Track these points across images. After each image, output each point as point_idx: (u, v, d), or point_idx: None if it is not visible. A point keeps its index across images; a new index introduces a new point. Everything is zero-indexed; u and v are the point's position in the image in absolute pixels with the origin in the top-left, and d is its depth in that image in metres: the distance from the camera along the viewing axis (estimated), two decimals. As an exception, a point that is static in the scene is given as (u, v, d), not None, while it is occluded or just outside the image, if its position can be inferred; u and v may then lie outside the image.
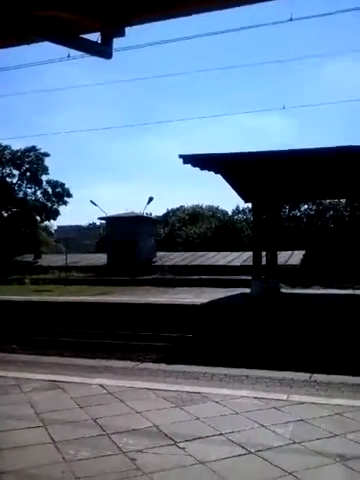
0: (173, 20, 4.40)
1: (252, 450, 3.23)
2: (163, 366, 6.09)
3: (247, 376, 5.30)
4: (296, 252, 27.16)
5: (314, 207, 39.21)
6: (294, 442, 3.39)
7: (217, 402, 4.32)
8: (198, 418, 3.89)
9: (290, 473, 2.90)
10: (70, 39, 4.60)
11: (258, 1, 4.10)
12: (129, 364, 6.33)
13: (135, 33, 4.58)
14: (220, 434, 3.54)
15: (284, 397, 4.43)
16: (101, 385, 4.89)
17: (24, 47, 4.95)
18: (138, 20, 4.39)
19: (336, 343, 10.08)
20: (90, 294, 17.55)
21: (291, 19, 8.16)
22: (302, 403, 4.27)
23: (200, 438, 3.46)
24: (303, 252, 27.05)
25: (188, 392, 4.62)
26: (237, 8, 4.20)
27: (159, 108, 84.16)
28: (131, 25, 4.43)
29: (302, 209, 40.42)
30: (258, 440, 3.41)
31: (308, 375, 5.24)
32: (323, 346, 9.95)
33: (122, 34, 4.51)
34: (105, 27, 4.40)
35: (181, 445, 3.31)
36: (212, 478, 2.88)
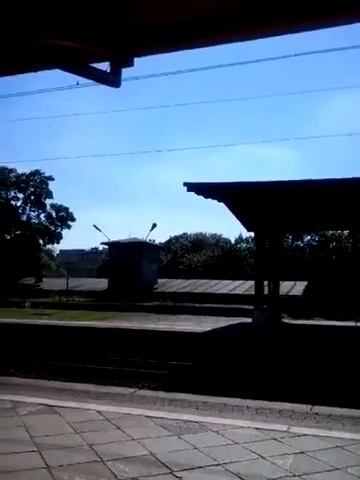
0: (182, 51, 4.53)
1: (250, 482, 3.15)
2: (162, 394, 6.00)
3: (247, 406, 5.21)
4: (299, 283, 27.07)
5: (317, 238, 39.27)
6: (294, 475, 3.30)
7: (216, 432, 4.23)
8: (196, 447, 3.81)
9: (289, 507, 2.82)
10: (79, 67, 4.70)
11: (261, 37, 4.22)
12: (127, 391, 6.24)
13: (145, 63, 4.70)
14: (218, 464, 3.46)
15: (284, 428, 4.35)
16: (98, 411, 4.81)
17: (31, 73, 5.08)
18: (147, 51, 4.50)
19: (338, 375, 9.93)
20: (89, 319, 17.44)
21: (295, 55, 8.39)
22: (303, 435, 4.18)
23: (198, 468, 3.38)
24: (306, 283, 26.95)
25: (186, 421, 4.53)
26: (242, 43, 4.33)
27: (165, 136, 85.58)
28: (140, 56, 4.55)
29: (305, 240, 40.47)
30: (257, 471, 3.33)
31: (309, 407, 5.15)
32: (324, 378, 9.80)
33: (131, 64, 4.62)
34: (114, 57, 4.51)
35: (178, 474, 3.24)
36: (209, 510, 2.79)
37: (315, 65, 72.44)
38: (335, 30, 4.04)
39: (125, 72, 4.72)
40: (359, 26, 3.88)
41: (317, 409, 5.06)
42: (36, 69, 4.94)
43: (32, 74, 5.11)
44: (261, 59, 17.39)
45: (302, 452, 3.74)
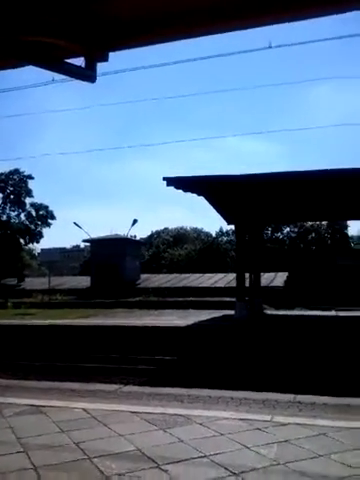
0: (159, 45, 4.52)
1: (236, 472, 3.20)
2: (147, 389, 6.03)
3: (231, 398, 5.27)
4: (279, 274, 27.37)
5: (296, 229, 39.73)
6: (278, 463, 3.36)
7: (201, 424, 4.28)
8: (182, 440, 3.85)
9: (274, 494, 2.88)
10: (54, 64, 4.66)
11: (238, 29, 4.24)
12: (112, 387, 6.25)
13: (122, 57, 4.68)
14: (204, 456, 3.50)
15: (268, 418, 4.41)
16: (84, 409, 4.81)
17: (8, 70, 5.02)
18: (122, 45, 4.49)
19: (319, 364, 10.10)
20: (73, 317, 17.33)
21: (270, 47, 8.44)
22: (286, 424, 4.26)
23: (184, 460, 3.42)
24: (286, 274, 27.27)
25: (172, 414, 4.57)
26: (219, 35, 4.34)
27: (144, 131, 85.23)
28: (115, 50, 4.53)
29: (285, 231, 40.93)
30: (242, 461, 3.38)
31: (292, 396, 5.23)
32: (307, 367, 9.96)
33: (106, 59, 4.60)
34: (89, 52, 4.48)
35: (165, 468, 3.27)
36: (196, 501, 2.83)
37: (296, 56, 72.83)
38: (315, 20, 4.06)
39: (100, 67, 4.70)
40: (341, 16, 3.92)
41: (300, 398, 5.15)
42: (13, 66, 4.88)
43: (7, 71, 5.05)
44: (242, 51, 17.45)
45: (286, 441, 3.81)
